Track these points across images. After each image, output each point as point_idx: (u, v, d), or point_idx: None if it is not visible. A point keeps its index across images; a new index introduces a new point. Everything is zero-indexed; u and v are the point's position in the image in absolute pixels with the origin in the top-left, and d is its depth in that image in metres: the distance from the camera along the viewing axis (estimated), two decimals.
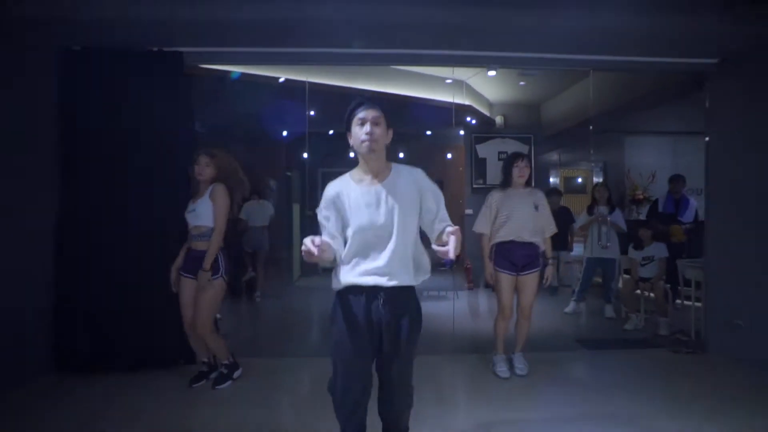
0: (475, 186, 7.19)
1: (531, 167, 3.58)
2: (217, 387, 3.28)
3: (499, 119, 7.30)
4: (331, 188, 2.00)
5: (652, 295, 4.96)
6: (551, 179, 7.79)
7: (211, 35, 3.55)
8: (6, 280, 3.21)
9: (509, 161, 3.54)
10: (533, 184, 3.76)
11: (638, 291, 5.09)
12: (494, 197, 3.57)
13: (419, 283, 2.01)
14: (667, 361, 3.94)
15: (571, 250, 6.62)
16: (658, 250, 5.00)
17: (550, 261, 3.60)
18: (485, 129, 7.19)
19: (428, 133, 7.75)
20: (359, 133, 1.92)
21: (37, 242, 3.51)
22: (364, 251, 1.93)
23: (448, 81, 5.86)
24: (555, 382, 3.48)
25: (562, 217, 6.50)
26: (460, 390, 3.47)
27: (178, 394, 3.21)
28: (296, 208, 7.70)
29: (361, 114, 1.92)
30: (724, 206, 4.03)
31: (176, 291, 3.31)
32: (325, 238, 1.89)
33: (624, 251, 5.38)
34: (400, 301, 1.95)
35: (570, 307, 5.73)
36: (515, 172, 3.49)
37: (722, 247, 4.02)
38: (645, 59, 3.88)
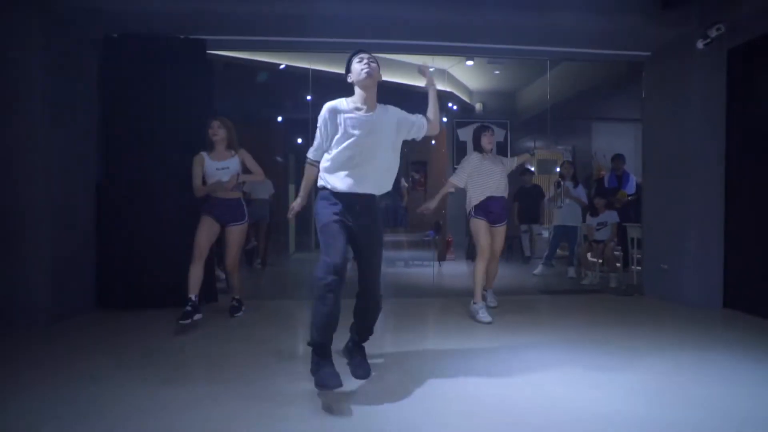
0: (456, 167, 7.85)
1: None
2: (235, 315, 4.02)
3: (478, 106, 8.01)
4: (332, 105, 2.48)
5: (600, 261, 5.74)
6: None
7: (231, 25, 4.22)
8: (57, 232, 3.81)
9: (478, 132, 4.23)
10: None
11: (590, 254, 5.87)
12: (473, 160, 4.19)
13: (381, 194, 2.63)
14: (607, 300, 4.78)
15: (542, 224, 7.36)
16: (610, 216, 5.79)
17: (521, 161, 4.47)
18: (466, 114, 7.90)
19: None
20: (358, 66, 2.47)
21: (82, 199, 4.16)
22: (351, 166, 2.47)
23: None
24: (512, 309, 4.26)
25: (534, 193, 7.27)
26: (434, 321, 4.23)
27: (203, 319, 3.89)
28: (292, 189, 8.32)
29: (360, 55, 2.51)
30: (656, 178, 4.82)
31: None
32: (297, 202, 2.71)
33: (585, 221, 6.15)
34: (369, 205, 2.55)
35: (538, 270, 6.47)
36: (484, 140, 4.19)
37: (655, 211, 4.81)
38: (591, 51, 4.63)
